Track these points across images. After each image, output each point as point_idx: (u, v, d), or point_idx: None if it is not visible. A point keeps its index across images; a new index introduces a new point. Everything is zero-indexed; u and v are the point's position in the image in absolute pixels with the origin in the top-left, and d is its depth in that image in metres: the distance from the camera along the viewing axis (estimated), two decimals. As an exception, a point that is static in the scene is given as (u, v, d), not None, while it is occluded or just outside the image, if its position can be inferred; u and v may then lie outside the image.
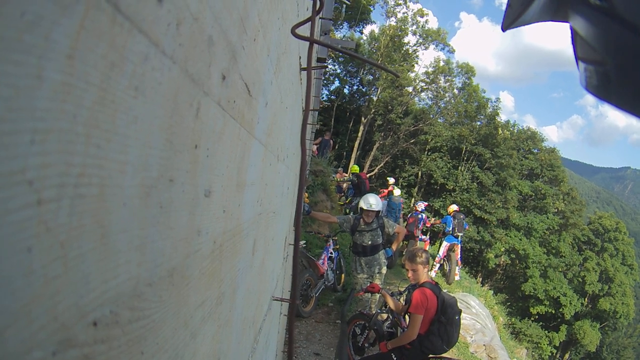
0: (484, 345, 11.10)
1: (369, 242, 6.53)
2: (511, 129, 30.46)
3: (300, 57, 2.07)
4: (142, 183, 0.39)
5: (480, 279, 26.54)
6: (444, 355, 4.34)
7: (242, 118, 0.77)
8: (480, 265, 27.73)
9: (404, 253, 11.18)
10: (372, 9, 29.33)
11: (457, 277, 12.95)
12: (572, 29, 0.54)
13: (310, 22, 1.10)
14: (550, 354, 27.32)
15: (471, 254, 26.81)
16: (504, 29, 0.68)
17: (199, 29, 0.49)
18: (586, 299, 29.40)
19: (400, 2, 28.79)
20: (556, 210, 28.89)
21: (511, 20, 0.64)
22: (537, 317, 27.48)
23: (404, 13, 29.01)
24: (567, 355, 30.19)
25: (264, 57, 0.93)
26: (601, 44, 0.46)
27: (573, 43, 0.55)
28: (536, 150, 30.40)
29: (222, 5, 0.57)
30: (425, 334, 4.27)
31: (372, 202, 6.52)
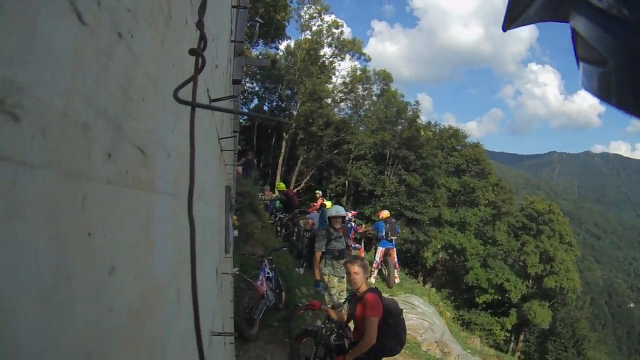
0: (435, 342, 11.39)
1: (342, 247, 7.10)
2: (433, 129, 31.23)
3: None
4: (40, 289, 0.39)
5: (421, 279, 27.02)
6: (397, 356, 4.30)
7: (138, 181, 0.74)
8: (419, 265, 28.25)
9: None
10: (286, 24, 29.33)
11: (397, 280, 13.25)
12: (572, 29, 0.55)
13: (193, 83, 0.91)
14: (504, 338, 28.34)
15: (408, 255, 27.15)
16: (504, 29, 0.68)
17: (69, 123, 0.46)
18: (530, 280, 30.58)
19: (314, 15, 28.94)
20: (487, 201, 29.63)
21: (512, 20, 0.65)
22: (484, 305, 28.29)
23: (318, 26, 29.08)
24: (521, 336, 31.27)
25: (160, 111, 0.90)
26: (602, 44, 0.47)
27: (573, 43, 0.56)
28: (460, 147, 31.42)
29: (95, 85, 0.52)
30: (378, 339, 4.22)
31: (337, 209, 7.53)
